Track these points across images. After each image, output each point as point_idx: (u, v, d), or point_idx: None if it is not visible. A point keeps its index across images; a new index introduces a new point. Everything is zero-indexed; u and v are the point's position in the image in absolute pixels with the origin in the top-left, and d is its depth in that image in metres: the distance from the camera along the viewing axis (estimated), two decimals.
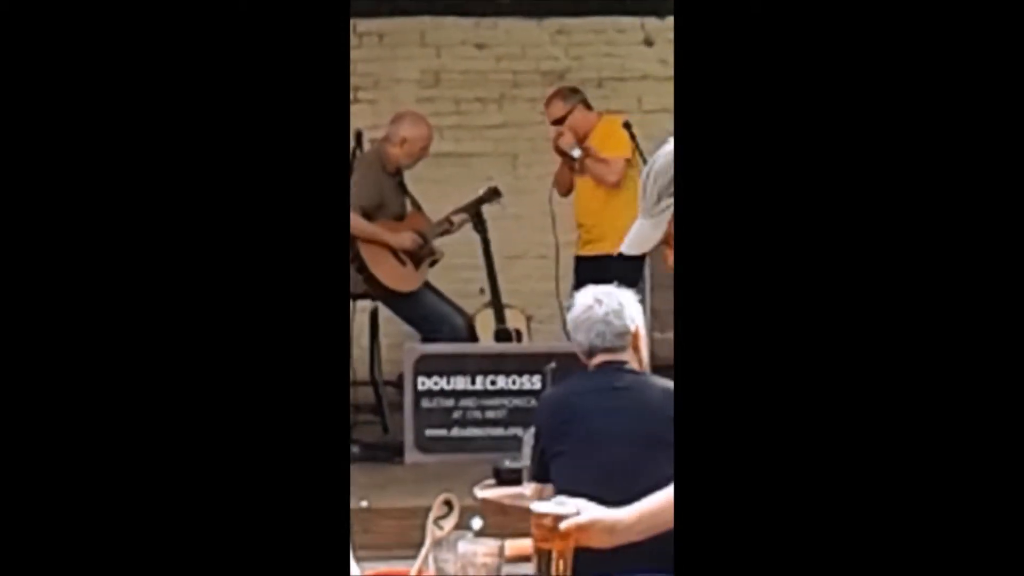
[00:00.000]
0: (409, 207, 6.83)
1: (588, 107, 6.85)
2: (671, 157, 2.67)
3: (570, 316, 3.82)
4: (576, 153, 6.76)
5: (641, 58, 8.20)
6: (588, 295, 3.79)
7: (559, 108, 6.81)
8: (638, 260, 6.58)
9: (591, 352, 3.73)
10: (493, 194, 6.98)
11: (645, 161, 6.69)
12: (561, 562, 2.67)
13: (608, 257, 6.52)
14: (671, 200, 2.65)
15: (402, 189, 6.80)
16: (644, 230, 2.73)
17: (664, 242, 2.69)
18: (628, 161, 6.64)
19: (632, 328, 3.71)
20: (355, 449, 6.27)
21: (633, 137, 6.79)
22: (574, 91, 6.96)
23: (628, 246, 2.77)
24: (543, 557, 2.68)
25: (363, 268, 6.52)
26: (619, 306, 3.73)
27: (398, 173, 6.75)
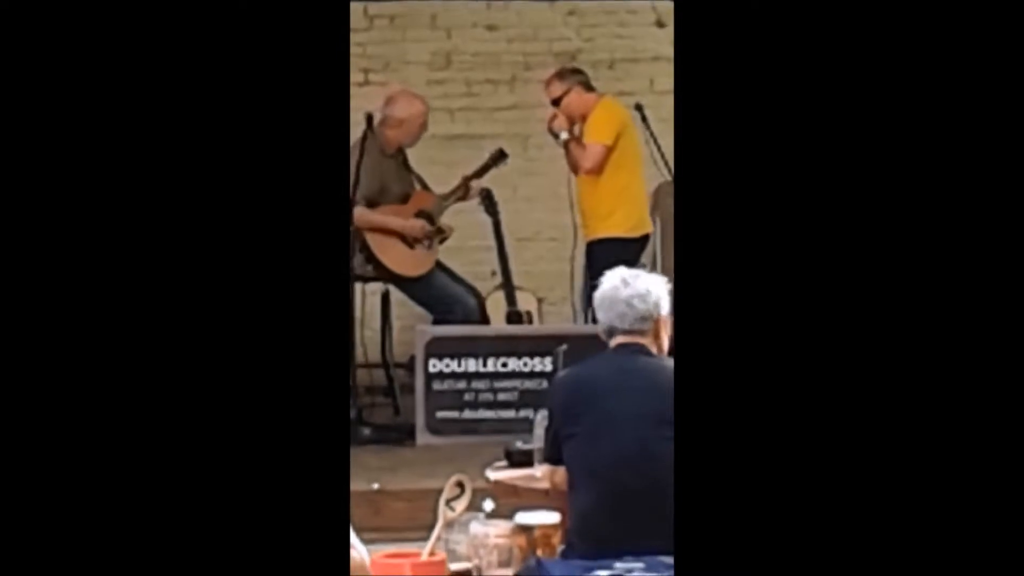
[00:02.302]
0: (416, 186, 6.82)
1: (588, 88, 6.78)
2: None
3: (596, 294, 3.80)
4: (563, 136, 6.74)
5: (653, 39, 8.17)
6: (616, 275, 3.76)
7: (556, 88, 6.77)
8: (641, 242, 6.58)
9: (611, 332, 3.72)
10: (500, 156, 6.95)
11: (657, 143, 6.64)
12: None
13: (609, 240, 6.54)
14: None
15: (405, 168, 6.78)
16: None
17: None
18: (608, 148, 6.59)
19: (656, 315, 3.68)
20: (367, 431, 6.27)
21: (644, 119, 6.77)
22: (574, 72, 6.89)
23: None
24: None
25: (371, 257, 6.52)
26: (645, 291, 3.70)
27: (399, 153, 6.73)
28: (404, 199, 6.70)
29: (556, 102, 6.75)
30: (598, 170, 6.59)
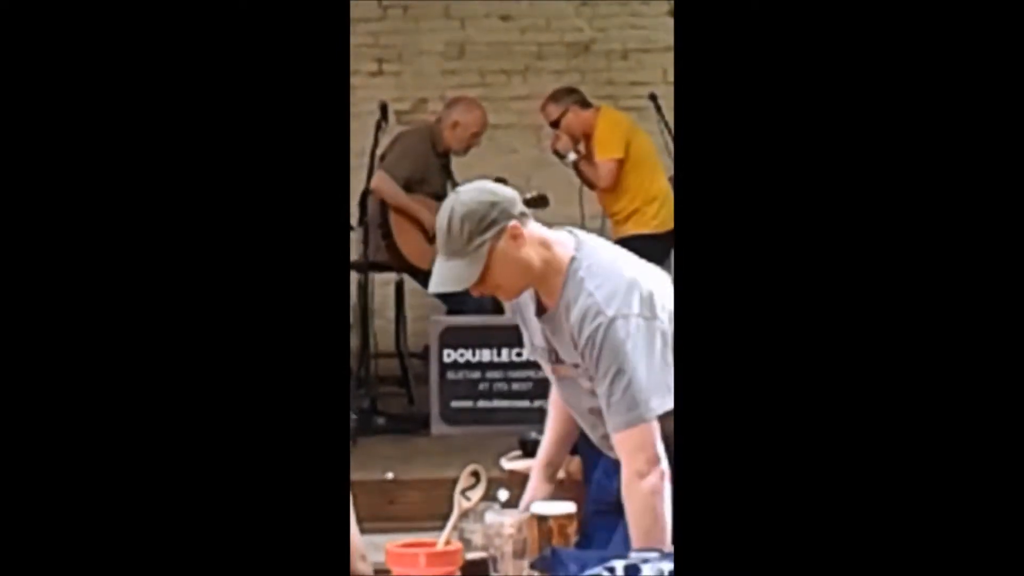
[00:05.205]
0: (450, 190, 6.85)
1: (585, 105, 6.78)
2: (476, 199, 2.92)
3: None
4: (571, 157, 6.75)
5: (666, 29, 8.15)
6: None
7: (552, 111, 6.77)
8: (669, 238, 6.57)
9: None
10: (540, 201, 6.99)
11: (671, 134, 6.61)
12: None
13: (636, 237, 6.53)
14: (485, 237, 2.88)
15: (446, 171, 6.83)
16: (458, 269, 2.91)
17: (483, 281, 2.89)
18: (621, 160, 6.61)
19: None
20: (381, 421, 6.29)
21: (659, 109, 6.78)
22: (569, 91, 6.88)
23: (438, 285, 2.96)
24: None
25: (388, 235, 6.53)
26: None
27: (446, 155, 6.78)
28: (437, 199, 6.74)
29: (555, 124, 6.76)
30: (615, 186, 6.62)
